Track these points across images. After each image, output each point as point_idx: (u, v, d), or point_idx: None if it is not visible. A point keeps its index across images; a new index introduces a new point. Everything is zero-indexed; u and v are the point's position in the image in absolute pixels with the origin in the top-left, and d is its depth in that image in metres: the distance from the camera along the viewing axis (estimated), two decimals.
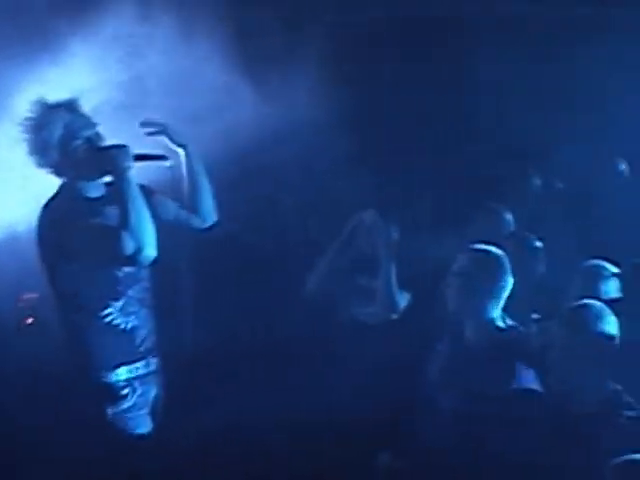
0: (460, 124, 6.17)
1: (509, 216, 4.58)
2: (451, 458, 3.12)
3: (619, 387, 2.91)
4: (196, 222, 3.69)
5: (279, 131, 4.71)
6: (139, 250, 3.17)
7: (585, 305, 3.03)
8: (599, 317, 2.94)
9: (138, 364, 3.40)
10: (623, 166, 5.59)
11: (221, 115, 4.25)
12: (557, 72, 6.57)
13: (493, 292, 3.32)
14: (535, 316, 3.82)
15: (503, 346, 3.24)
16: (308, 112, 4.72)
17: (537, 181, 5.46)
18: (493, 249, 3.49)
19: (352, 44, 6.00)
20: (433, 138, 6.03)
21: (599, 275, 3.78)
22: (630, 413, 2.80)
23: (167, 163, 3.45)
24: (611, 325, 2.94)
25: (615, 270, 3.79)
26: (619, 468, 2.25)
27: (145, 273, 3.45)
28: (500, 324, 3.34)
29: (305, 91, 4.75)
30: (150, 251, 3.21)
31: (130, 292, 3.36)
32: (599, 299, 3.48)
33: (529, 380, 3.14)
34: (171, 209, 3.60)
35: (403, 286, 4.08)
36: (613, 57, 6.26)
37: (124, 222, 3.17)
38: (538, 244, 4.15)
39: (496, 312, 3.34)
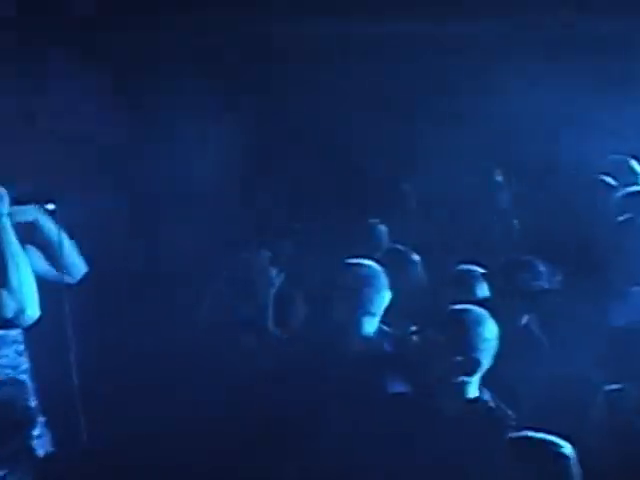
0: (332, 140, 6.30)
1: (384, 229, 4.66)
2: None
3: (484, 389, 2.91)
4: (66, 277, 3.38)
5: None
6: (21, 311, 2.90)
7: (465, 309, 3.05)
8: (478, 321, 2.93)
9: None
10: (499, 177, 5.76)
11: None
12: (429, 85, 6.82)
13: (370, 305, 3.33)
14: (414, 327, 3.87)
15: (376, 355, 3.26)
16: None
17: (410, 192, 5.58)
18: (372, 263, 3.53)
19: None
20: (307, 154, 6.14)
21: (471, 277, 3.87)
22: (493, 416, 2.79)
23: (50, 207, 3.13)
24: (489, 329, 2.93)
25: (483, 271, 3.89)
26: (514, 443, 2.28)
27: (17, 334, 3.10)
28: (374, 334, 3.36)
29: None
30: (33, 311, 2.95)
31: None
32: (472, 301, 3.59)
33: (398, 386, 3.14)
34: (41, 263, 3.29)
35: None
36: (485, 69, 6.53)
37: (3, 279, 2.88)
38: (416, 257, 4.22)
39: (373, 324, 3.37)
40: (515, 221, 5.30)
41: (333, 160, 6.23)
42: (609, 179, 4.94)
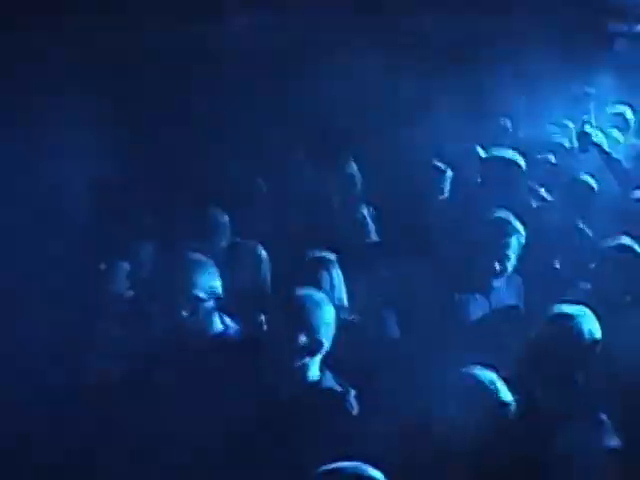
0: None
1: (225, 219, 4.53)
2: None
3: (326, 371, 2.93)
4: None
5: None
6: None
7: (305, 294, 3.04)
8: (318, 304, 2.91)
9: None
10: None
11: None
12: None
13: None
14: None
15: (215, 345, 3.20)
16: None
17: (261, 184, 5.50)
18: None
19: None
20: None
21: (321, 264, 3.83)
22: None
23: None
24: (328, 312, 2.93)
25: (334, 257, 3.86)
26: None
27: None
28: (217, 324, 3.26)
29: None
30: None
31: None
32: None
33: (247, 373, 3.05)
34: None
35: None
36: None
37: None
38: (262, 252, 4.13)
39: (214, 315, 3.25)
40: (370, 209, 5.25)
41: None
42: (441, 164, 5.05)
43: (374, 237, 4.61)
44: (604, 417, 2.84)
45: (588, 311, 2.92)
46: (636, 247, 3.81)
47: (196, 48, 6.99)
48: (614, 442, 2.79)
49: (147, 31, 6.73)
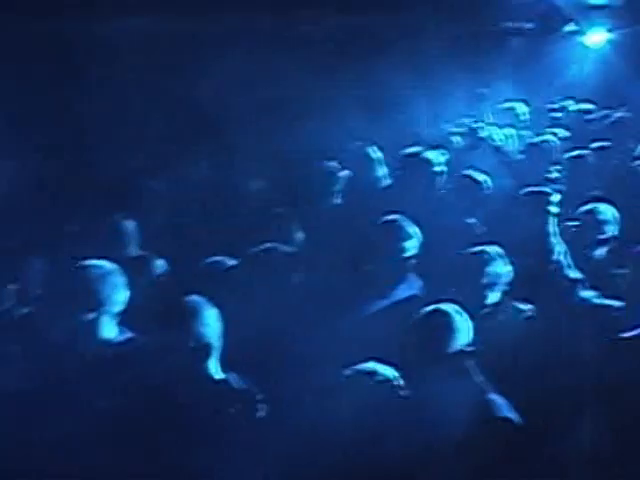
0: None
1: (132, 226, 4.57)
2: None
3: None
4: None
5: None
6: None
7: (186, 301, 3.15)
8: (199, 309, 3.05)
9: None
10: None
11: None
12: None
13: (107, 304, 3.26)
14: None
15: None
16: None
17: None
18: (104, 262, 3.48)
19: None
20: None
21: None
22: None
23: None
24: (210, 314, 3.06)
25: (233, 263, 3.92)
26: None
27: None
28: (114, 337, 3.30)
29: None
30: None
31: None
32: None
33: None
34: None
35: None
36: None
37: None
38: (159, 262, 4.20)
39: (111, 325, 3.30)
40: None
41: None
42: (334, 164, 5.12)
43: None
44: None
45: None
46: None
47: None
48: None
49: None
